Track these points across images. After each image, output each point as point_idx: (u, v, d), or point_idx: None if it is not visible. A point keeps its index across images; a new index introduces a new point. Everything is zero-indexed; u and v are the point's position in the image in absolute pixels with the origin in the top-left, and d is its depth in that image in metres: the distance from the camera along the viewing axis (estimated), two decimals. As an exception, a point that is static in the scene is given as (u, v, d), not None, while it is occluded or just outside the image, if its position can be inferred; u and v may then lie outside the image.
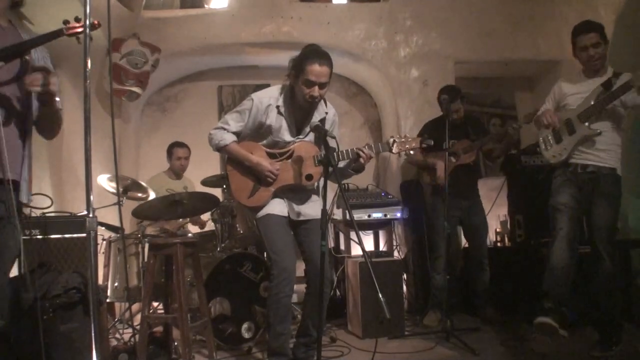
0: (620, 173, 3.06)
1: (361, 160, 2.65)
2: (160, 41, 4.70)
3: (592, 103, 2.97)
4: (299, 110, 2.72)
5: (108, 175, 3.77)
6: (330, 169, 2.39)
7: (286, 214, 2.76)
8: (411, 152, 2.74)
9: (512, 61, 5.33)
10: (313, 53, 2.60)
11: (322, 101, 2.75)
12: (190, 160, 4.74)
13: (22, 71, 1.98)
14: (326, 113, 2.79)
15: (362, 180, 4.93)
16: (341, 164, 2.75)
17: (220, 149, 2.77)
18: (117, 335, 3.48)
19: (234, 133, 2.76)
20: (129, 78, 4.50)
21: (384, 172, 5.31)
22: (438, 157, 3.84)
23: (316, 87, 2.58)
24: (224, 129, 2.75)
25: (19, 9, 2.16)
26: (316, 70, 2.55)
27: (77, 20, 1.94)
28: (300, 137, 2.76)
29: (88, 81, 1.76)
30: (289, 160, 2.71)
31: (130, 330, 3.42)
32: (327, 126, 2.78)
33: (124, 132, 5.01)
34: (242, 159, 2.73)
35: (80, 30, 1.95)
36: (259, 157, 2.71)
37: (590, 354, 2.90)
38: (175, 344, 3.21)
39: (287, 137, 2.74)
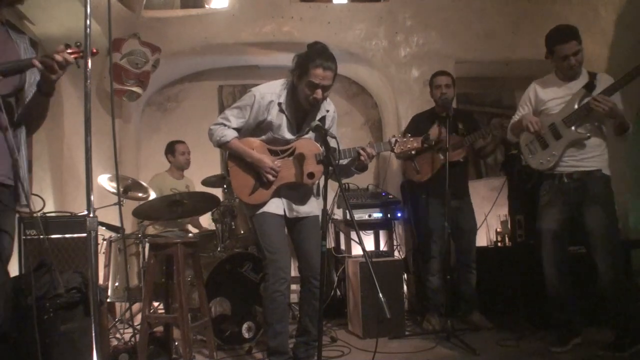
0: (608, 173, 3.02)
1: (362, 159, 2.64)
2: (160, 41, 4.71)
3: (576, 107, 2.94)
4: (300, 107, 2.71)
5: (108, 175, 3.77)
6: (331, 169, 2.39)
7: (282, 212, 2.74)
8: (413, 152, 2.72)
9: (512, 61, 5.32)
10: (318, 55, 2.56)
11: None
12: (191, 160, 4.75)
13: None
14: (327, 111, 2.78)
15: (363, 180, 4.93)
16: (343, 162, 2.73)
17: (222, 145, 2.75)
18: (118, 335, 3.47)
19: (234, 129, 2.73)
20: (129, 78, 4.51)
21: (384, 172, 5.31)
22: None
23: (319, 90, 2.58)
24: (225, 125, 2.72)
25: (17, 5, 2.15)
26: (320, 74, 2.54)
27: (77, 46, 1.95)
28: (301, 134, 2.74)
29: (88, 81, 1.77)
30: (291, 158, 2.70)
31: (130, 330, 3.42)
32: (327, 123, 2.77)
33: (125, 132, 5.01)
34: (244, 155, 2.70)
35: (80, 55, 1.95)
36: (260, 153, 2.70)
37: (611, 354, 2.88)
38: (176, 343, 3.21)
39: (287, 134, 2.72)
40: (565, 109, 2.99)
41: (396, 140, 2.67)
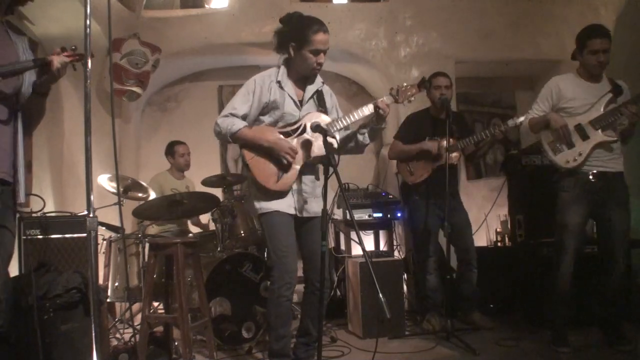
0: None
1: (381, 112, 2.64)
2: (160, 41, 4.71)
3: (602, 110, 3.00)
4: (296, 82, 2.74)
5: (108, 175, 3.77)
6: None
7: (293, 212, 2.67)
8: (413, 98, 2.75)
9: (512, 61, 5.33)
10: (312, 22, 2.61)
11: None
12: (191, 161, 4.75)
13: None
14: (322, 83, 2.80)
15: (362, 180, 4.94)
16: (360, 116, 2.71)
17: (232, 135, 2.63)
18: (118, 335, 3.47)
19: (241, 117, 2.68)
20: (129, 78, 4.51)
21: (384, 172, 5.31)
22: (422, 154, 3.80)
23: (322, 54, 2.62)
24: (232, 115, 2.66)
25: (13, 13, 2.16)
26: (322, 38, 2.58)
27: (72, 49, 1.98)
28: (304, 108, 2.72)
29: (88, 81, 1.77)
30: (304, 135, 2.65)
31: (130, 330, 3.41)
32: (328, 100, 2.78)
33: (125, 132, 5.01)
34: (259, 140, 2.62)
35: (76, 58, 2.00)
36: (275, 136, 2.63)
37: (615, 349, 2.95)
38: (176, 343, 3.21)
39: (293, 108, 2.70)
40: (591, 111, 3.05)
41: (397, 90, 2.72)
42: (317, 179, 2.80)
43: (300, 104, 2.73)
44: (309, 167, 2.71)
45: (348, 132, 2.84)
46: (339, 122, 2.69)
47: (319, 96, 2.77)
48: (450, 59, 5.06)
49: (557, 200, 3.14)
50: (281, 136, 2.64)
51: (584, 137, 3.04)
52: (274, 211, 2.64)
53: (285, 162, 2.61)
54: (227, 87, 5.61)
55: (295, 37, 2.62)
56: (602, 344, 3.07)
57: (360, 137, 2.81)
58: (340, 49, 5.02)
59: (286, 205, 2.66)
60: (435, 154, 3.74)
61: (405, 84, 2.76)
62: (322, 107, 2.74)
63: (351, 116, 2.69)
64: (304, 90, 2.75)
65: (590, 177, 3.04)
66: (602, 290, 3.10)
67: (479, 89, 5.91)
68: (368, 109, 2.70)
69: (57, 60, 1.94)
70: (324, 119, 2.68)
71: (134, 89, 4.56)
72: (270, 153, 2.62)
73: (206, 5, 5.29)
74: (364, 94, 5.78)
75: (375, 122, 2.74)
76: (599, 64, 3.03)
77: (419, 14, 5.15)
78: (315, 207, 2.74)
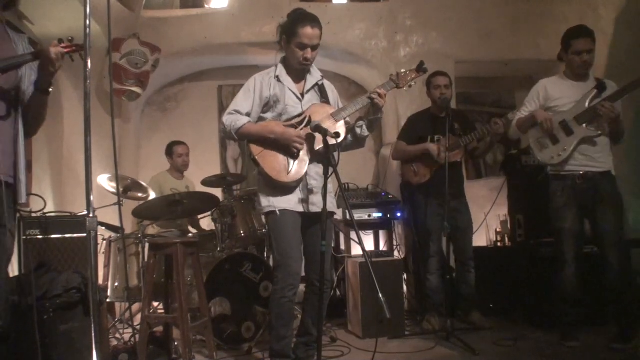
0: (614, 173, 3.13)
1: (376, 102, 2.64)
2: (160, 41, 4.71)
3: (587, 106, 3.04)
4: (295, 76, 2.76)
5: (108, 175, 3.77)
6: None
7: (300, 209, 2.65)
8: (413, 82, 2.78)
9: (512, 61, 5.33)
10: (304, 16, 2.64)
11: (313, 66, 2.78)
12: (190, 160, 4.75)
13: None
14: (322, 76, 2.82)
15: (362, 180, 4.94)
16: (356, 107, 2.72)
17: (237, 131, 2.62)
18: (118, 335, 3.47)
19: (245, 114, 2.67)
20: (129, 78, 4.51)
21: (384, 172, 5.31)
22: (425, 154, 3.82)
23: (309, 50, 2.63)
24: (236, 112, 2.66)
25: (12, 8, 2.16)
26: (309, 33, 2.60)
27: (69, 40, 1.99)
28: (305, 99, 2.73)
29: (88, 81, 1.77)
30: (308, 129, 2.62)
31: (130, 330, 3.41)
32: (331, 96, 2.81)
33: (124, 132, 5.01)
34: (265, 133, 2.61)
35: (73, 50, 2.01)
36: (281, 127, 2.62)
37: (610, 347, 2.98)
38: (176, 344, 3.21)
39: (294, 100, 2.71)
40: (576, 107, 3.09)
41: (398, 76, 2.75)
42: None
43: (301, 96, 2.75)
44: (315, 161, 2.70)
45: (347, 125, 2.83)
46: (343, 111, 2.70)
47: (320, 89, 2.79)
48: (450, 59, 5.05)
49: (549, 205, 3.19)
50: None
51: (569, 132, 3.09)
52: (282, 210, 2.61)
53: (294, 151, 2.60)
54: (227, 87, 5.61)
55: (286, 31, 2.67)
56: (600, 343, 3.08)
57: (358, 130, 2.81)
58: (340, 49, 5.02)
59: (294, 202, 2.64)
60: (437, 155, 3.73)
61: (403, 70, 2.78)
62: (324, 99, 2.77)
63: (351, 106, 2.70)
64: (303, 80, 2.77)
65: (577, 179, 3.09)
66: (603, 290, 3.14)
67: (479, 89, 5.91)
68: (365, 100, 2.71)
69: (54, 51, 1.94)
70: (327, 110, 2.69)
71: (134, 89, 4.56)
72: (278, 145, 2.61)
73: (206, 5, 5.29)
74: (363, 94, 5.74)
75: (372, 113, 2.75)
76: (583, 63, 3.09)
77: (419, 14, 5.15)
78: (322, 203, 2.71)
